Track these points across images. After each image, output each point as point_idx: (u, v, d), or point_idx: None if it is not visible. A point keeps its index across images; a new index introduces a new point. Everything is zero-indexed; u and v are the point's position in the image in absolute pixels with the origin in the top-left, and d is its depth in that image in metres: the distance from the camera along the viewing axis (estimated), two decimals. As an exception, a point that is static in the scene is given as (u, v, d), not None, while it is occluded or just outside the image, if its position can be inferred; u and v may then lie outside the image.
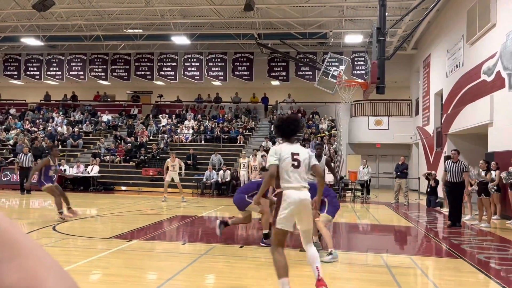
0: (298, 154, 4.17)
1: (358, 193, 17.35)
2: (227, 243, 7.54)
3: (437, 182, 14.55)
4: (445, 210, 13.12)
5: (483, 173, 10.20)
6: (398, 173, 15.70)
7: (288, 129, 4.28)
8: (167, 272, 5.31)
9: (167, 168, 14.39)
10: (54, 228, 8.27)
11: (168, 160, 14.57)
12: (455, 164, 9.78)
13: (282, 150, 4.16)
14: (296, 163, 4.12)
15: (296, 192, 4.07)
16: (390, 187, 22.22)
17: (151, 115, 25.22)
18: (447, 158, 15.11)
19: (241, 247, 7.00)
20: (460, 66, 15.37)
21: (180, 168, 14.71)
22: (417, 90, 22.68)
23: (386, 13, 10.43)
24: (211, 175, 17.33)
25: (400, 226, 10.34)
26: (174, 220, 9.88)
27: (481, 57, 13.30)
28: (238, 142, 21.34)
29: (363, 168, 17.35)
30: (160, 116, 24.93)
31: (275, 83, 25.14)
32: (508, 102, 11.39)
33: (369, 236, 9.36)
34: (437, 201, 14.24)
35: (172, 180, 14.32)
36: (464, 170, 9.72)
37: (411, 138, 22.99)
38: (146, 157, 19.69)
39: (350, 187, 17.55)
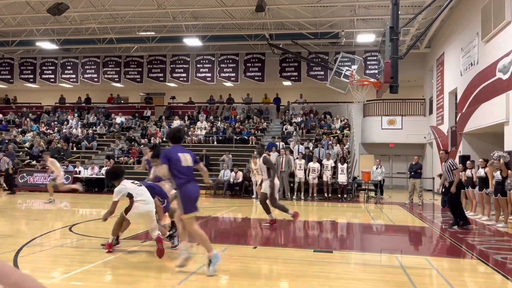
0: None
1: (372, 194, 17.24)
2: (240, 243, 7.55)
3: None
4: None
5: (498, 173, 10.05)
6: (412, 173, 15.56)
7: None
8: (182, 272, 5.35)
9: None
10: (70, 229, 8.38)
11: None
12: (444, 164, 10.09)
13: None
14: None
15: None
16: (404, 187, 22.01)
17: (163, 117, 25.39)
18: (462, 158, 14.97)
19: (255, 247, 7.01)
20: (474, 64, 15.17)
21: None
22: (430, 89, 22.45)
23: (399, 12, 10.36)
24: (225, 173, 17.51)
25: (415, 226, 10.24)
26: (188, 221, 9.91)
27: (496, 55, 13.11)
28: (250, 142, 21.38)
29: (376, 168, 17.24)
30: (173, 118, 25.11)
31: (287, 83, 25.11)
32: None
33: (383, 236, 9.28)
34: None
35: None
36: (453, 168, 9.91)
37: (425, 137, 22.75)
38: (159, 159, 19.84)
39: (363, 187, 17.44)
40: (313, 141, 19.87)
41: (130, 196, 6.05)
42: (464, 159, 14.25)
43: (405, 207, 14.47)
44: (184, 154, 5.25)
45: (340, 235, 9.17)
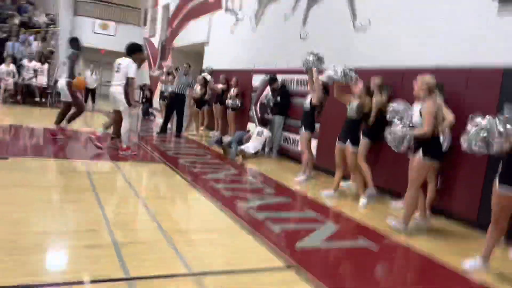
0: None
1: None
2: None
3: (151, 92, 15.30)
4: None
5: (198, 88, 11.05)
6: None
7: None
8: None
9: None
10: None
11: None
12: (186, 77, 10.56)
13: None
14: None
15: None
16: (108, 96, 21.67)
17: None
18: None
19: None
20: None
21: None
22: (147, -1, 22.18)
23: None
24: None
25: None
26: None
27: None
28: None
29: (91, 74, 16.21)
30: None
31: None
32: (222, 22, 12.37)
33: (81, 142, 8.76)
34: (151, 112, 14.92)
35: None
36: (191, 86, 10.70)
37: (137, 48, 22.68)
38: None
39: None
40: (7, 32, 16.60)
41: None
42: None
43: (108, 114, 14.21)
44: None
45: (25, 140, 8.10)
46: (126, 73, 7.00)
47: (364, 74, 6.16)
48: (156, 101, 15.17)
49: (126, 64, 7.02)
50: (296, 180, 6.66)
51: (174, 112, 10.73)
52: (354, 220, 4.85)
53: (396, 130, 4.62)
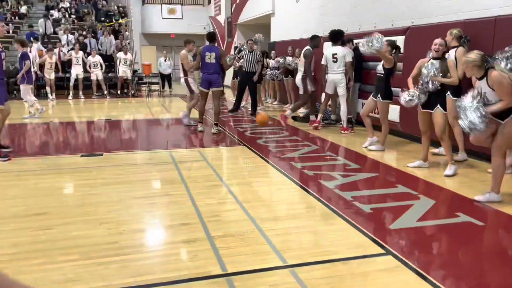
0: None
1: (155, 87, 16.85)
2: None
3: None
4: (233, 98, 13.90)
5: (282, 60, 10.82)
6: (193, 64, 15.59)
7: None
8: None
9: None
10: None
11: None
12: (251, 53, 10.34)
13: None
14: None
15: None
16: (186, 79, 22.28)
17: None
18: (236, 48, 15.63)
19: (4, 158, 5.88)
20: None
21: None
22: (209, -23, 22.16)
23: None
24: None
25: (194, 117, 10.42)
26: None
27: None
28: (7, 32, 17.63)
29: (165, 60, 16.66)
30: None
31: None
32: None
33: (160, 131, 9.16)
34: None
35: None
36: (259, 60, 10.38)
37: (204, 28, 22.93)
38: None
39: (145, 80, 16.83)
40: (87, 30, 17.66)
41: None
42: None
43: (185, 99, 14.64)
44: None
45: (113, 134, 8.62)
46: (344, 61, 7.80)
47: (448, 28, 5.60)
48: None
49: (342, 53, 7.81)
50: (365, 147, 6.57)
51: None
52: (451, 192, 4.53)
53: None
